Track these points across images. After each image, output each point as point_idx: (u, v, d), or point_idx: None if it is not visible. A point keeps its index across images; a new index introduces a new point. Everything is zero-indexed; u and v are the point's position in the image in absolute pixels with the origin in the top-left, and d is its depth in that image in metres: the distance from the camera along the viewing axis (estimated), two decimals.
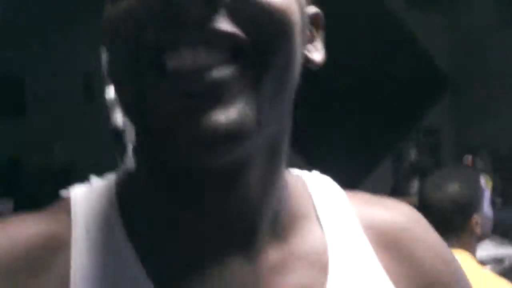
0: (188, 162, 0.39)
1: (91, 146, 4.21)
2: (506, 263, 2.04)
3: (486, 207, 1.67)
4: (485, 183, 1.73)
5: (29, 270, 0.43)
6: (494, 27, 3.17)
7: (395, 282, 0.49)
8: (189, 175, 0.41)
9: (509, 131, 3.09)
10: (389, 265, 0.51)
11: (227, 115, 0.36)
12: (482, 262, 2.08)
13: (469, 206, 1.63)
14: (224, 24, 0.36)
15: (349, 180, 2.70)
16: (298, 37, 0.39)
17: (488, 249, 2.26)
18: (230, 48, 0.36)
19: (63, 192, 0.49)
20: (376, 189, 2.50)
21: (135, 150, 0.46)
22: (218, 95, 0.36)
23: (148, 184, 0.46)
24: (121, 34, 0.38)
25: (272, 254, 0.46)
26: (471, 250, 1.63)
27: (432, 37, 3.56)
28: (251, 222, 0.44)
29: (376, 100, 3.36)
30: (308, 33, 0.44)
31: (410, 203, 0.74)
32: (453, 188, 1.64)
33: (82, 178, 0.55)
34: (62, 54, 3.67)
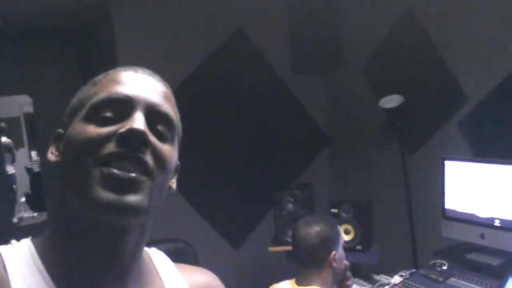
0: (111, 220, 0.70)
1: None
2: None
3: (341, 249, 1.99)
4: (340, 230, 2.06)
5: None
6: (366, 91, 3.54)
7: None
8: (104, 229, 0.71)
9: (366, 187, 3.50)
10: None
11: (135, 199, 0.69)
12: None
13: (329, 242, 1.94)
14: (147, 157, 0.71)
15: (241, 230, 3.00)
16: (171, 172, 0.77)
17: None
18: (144, 167, 0.71)
19: None
20: (262, 237, 2.81)
21: (54, 216, 0.75)
22: (132, 187, 0.69)
23: (63, 239, 0.74)
24: (89, 145, 0.70)
25: None
26: (328, 285, 1.91)
27: (313, 98, 3.91)
28: (126, 269, 0.77)
29: (265, 158, 3.62)
30: (173, 171, 0.79)
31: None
32: (318, 226, 1.97)
33: None
34: None
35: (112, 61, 3.36)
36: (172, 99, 0.80)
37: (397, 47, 3.26)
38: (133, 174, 0.69)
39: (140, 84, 0.75)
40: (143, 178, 0.70)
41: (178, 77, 3.39)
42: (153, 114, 0.74)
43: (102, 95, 0.73)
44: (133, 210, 0.69)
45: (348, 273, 2.08)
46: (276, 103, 3.71)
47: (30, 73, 4.99)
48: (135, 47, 3.35)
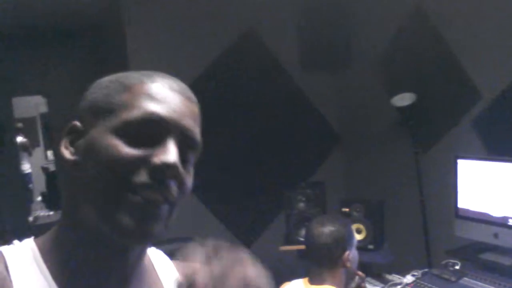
0: (130, 245, 0.75)
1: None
2: None
3: (354, 249, 1.97)
4: (353, 230, 2.04)
5: None
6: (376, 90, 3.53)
7: None
8: (112, 242, 0.73)
9: (379, 186, 3.48)
10: None
11: (156, 227, 0.72)
12: None
13: (343, 241, 1.93)
14: (173, 188, 0.72)
15: (253, 229, 2.99)
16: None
17: None
18: (170, 198, 0.72)
19: None
20: (274, 236, 2.81)
21: (62, 219, 0.77)
22: (154, 216, 0.72)
23: (68, 243, 0.75)
24: (119, 167, 0.70)
25: None
26: (341, 285, 1.89)
27: (324, 96, 3.89)
28: (128, 274, 0.79)
29: (277, 157, 3.61)
30: None
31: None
32: (332, 226, 1.96)
33: None
34: None
35: (123, 59, 3.38)
36: (199, 117, 0.80)
37: (407, 44, 3.24)
38: (158, 204, 0.72)
39: (176, 106, 0.75)
40: (166, 207, 0.73)
41: (190, 76, 3.40)
42: (184, 139, 0.75)
43: (137, 113, 0.72)
44: (153, 237, 0.73)
45: (363, 284, 2.06)
46: (287, 102, 3.71)
47: (43, 73, 5.04)
48: (147, 46, 3.37)
